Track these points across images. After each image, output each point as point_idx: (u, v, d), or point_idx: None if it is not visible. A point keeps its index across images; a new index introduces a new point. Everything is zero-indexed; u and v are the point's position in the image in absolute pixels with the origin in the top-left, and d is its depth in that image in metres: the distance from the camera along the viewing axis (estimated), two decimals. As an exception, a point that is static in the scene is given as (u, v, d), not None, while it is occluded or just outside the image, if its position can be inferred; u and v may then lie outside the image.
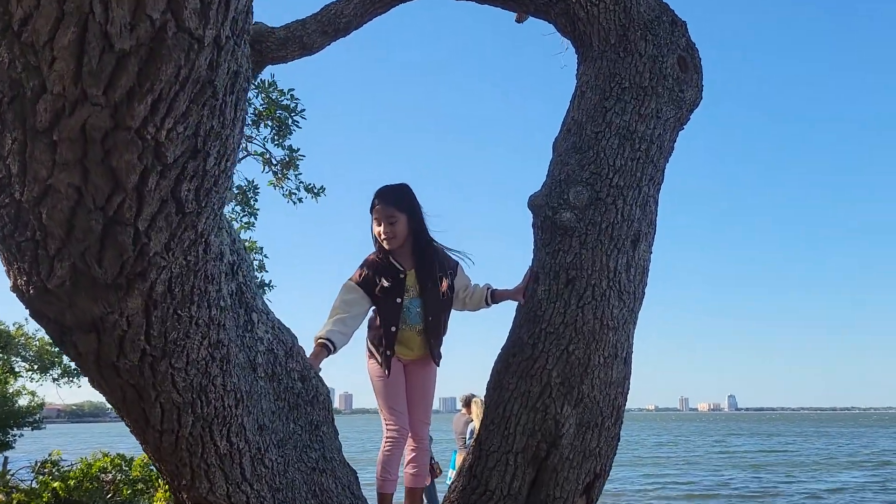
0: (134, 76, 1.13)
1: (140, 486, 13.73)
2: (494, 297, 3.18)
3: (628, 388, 3.03)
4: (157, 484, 13.60)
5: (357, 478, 2.70)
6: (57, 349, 21.14)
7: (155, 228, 1.42)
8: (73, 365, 20.88)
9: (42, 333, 21.25)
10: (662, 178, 3.08)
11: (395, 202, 3.10)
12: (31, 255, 1.47)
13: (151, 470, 14.19)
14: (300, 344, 2.58)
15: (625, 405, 3.03)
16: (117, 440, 15.44)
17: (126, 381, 1.86)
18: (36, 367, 19.04)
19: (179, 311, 1.75)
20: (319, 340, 2.89)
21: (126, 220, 1.38)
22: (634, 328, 3.03)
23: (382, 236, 3.07)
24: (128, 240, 1.42)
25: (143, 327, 1.71)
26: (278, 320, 2.42)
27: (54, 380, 19.73)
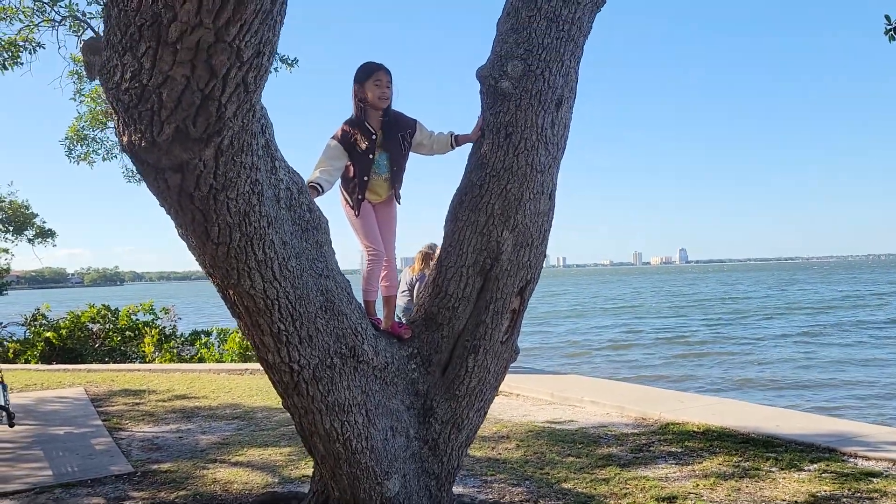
0: (230, 11, 1.90)
1: (128, 333, 14.88)
2: (458, 140, 4.04)
3: (552, 217, 3.98)
4: (143, 332, 14.75)
5: (350, 284, 3.65)
6: (31, 211, 21.59)
7: (231, 102, 2.23)
8: (47, 226, 21.46)
9: (14, 196, 21.65)
10: (582, 53, 3.89)
11: (389, 73, 3.91)
12: (147, 119, 2.27)
13: (137, 319, 15.31)
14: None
15: (549, 230, 3.99)
16: (80, 303, 16.38)
17: (197, 206, 2.71)
18: (10, 228, 19.61)
19: (235, 158, 2.58)
20: (311, 184, 3.73)
21: (215, 97, 2.18)
22: (558, 171, 3.94)
23: (384, 98, 3.87)
24: (214, 109, 2.23)
25: (213, 168, 2.54)
26: (291, 166, 3.26)
27: (29, 240, 20.40)
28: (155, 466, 6.23)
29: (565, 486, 5.29)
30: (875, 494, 4.88)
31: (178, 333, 15.22)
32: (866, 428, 7.15)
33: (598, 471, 5.64)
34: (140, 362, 14.29)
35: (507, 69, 3.73)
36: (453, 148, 4.09)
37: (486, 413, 4.20)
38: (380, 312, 4.15)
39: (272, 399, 9.44)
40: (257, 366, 12.68)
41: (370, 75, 3.88)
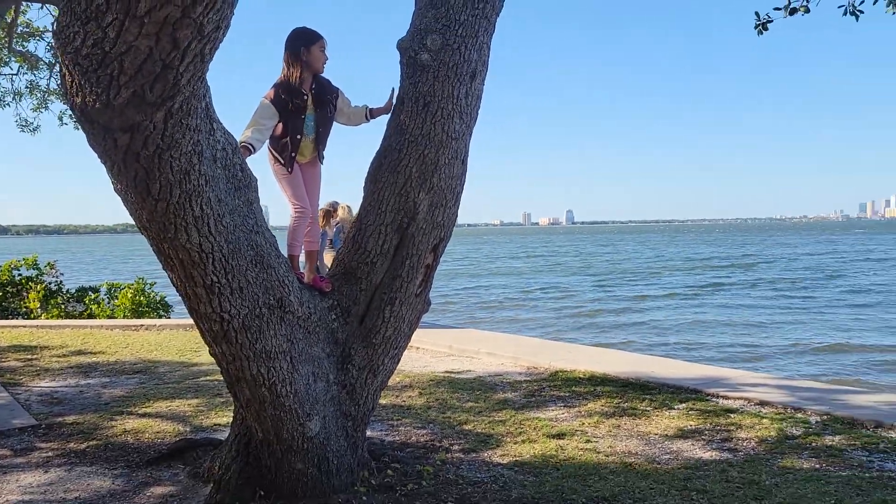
0: (199, -9, 2.10)
1: (10, 289, 14.21)
2: (373, 113, 4.33)
3: (464, 180, 4.34)
4: (27, 287, 14.15)
5: (276, 240, 3.89)
6: None
7: (188, 71, 2.43)
8: None
9: None
10: (494, 30, 4.22)
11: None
12: (105, 84, 2.43)
13: (19, 274, 14.63)
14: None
15: (462, 192, 4.35)
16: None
17: (142, 165, 2.88)
18: None
19: (182, 120, 2.77)
20: (243, 144, 3.91)
21: (174, 66, 2.37)
22: (470, 138, 4.29)
23: (323, 64, 4.11)
24: (171, 77, 2.42)
25: (161, 130, 2.72)
26: (226, 128, 3.44)
27: None
28: (59, 419, 6.24)
29: (466, 427, 5.77)
30: (731, 427, 5.64)
31: (65, 290, 14.67)
32: (727, 372, 8.06)
33: (495, 413, 6.16)
34: (24, 318, 13.73)
35: (426, 42, 4.02)
36: (368, 120, 4.40)
37: (399, 360, 4.57)
38: (303, 266, 4.41)
39: (173, 354, 9.47)
40: (154, 321, 12.52)
41: (315, 41, 4.11)
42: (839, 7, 4.32)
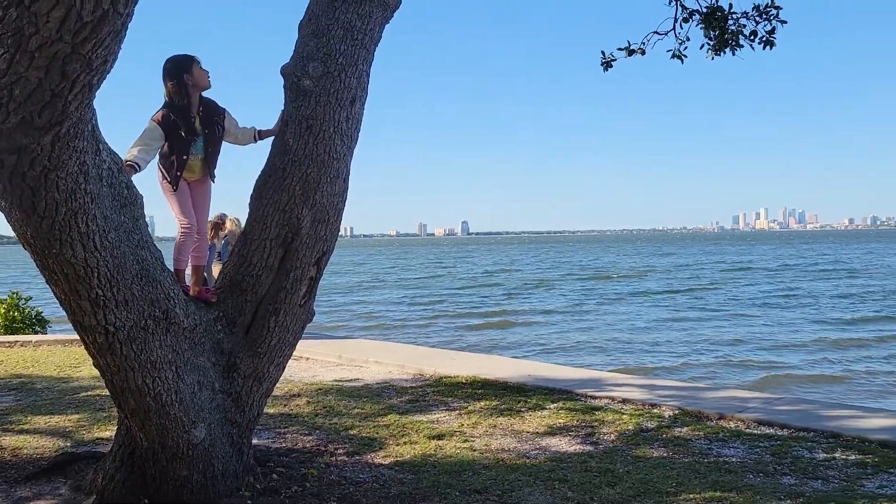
0: (89, 31, 2.30)
1: None
2: (261, 135, 4.57)
3: (346, 198, 4.63)
4: None
5: (162, 254, 4.04)
6: None
7: (76, 100, 2.61)
8: None
9: None
10: (373, 59, 4.55)
11: None
12: (-6, 109, 2.57)
13: None
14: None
15: (343, 209, 4.63)
16: None
17: (28, 184, 3.01)
18: None
19: (69, 143, 2.93)
20: (128, 163, 4.05)
21: (62, 95, 2.55)
22: (351, 158, 4.59)
23: (209, 79, 4.31)
24: (59, 105, 2.60)
25: (49, 152, 2.87)
26: (111, 147, 3.59)
27: None
28: (-72, 439, 6.03)
29: (351, 432, 6.03)
30: (595, 423, 6.18)
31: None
32: (597, 374, 8.71)
33: (380, 418, 6.45)
34: None
35: (308, 69, 4.30)
36: (256, 141, 4.63)
37: (284, 367, 4.79)
38: (189, 280, 4.56)
39: (51, 370, 9.20)
40: (30, 337, 12.02)
41: (193, 63, 4.30)
42: (668, 51, 4.94)
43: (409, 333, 19.35)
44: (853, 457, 5.23)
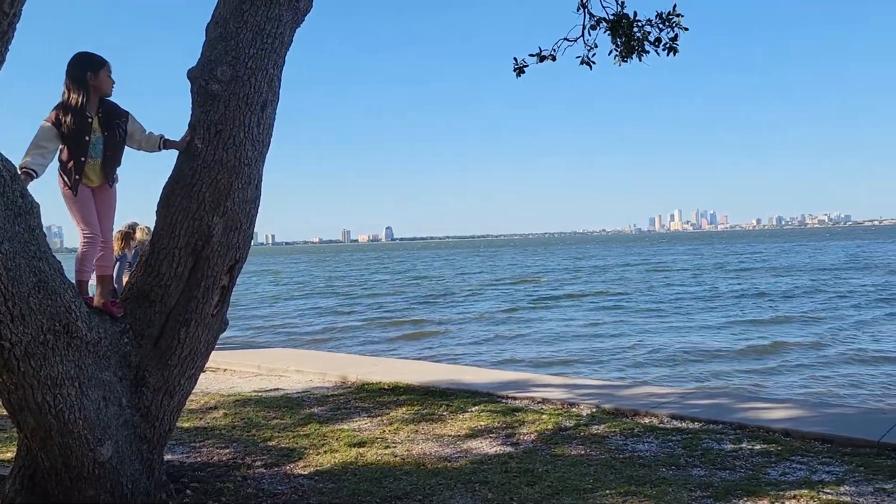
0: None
1: None
2: (166, 144, 4.37)
3: (259, 204, 4.53)
4: None
5: (62, 265, 3.86)
6: None
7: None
8: None
9: None
10: (283, 63, 4.48)
11: None
12: None
13: None
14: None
15: (256, 215, 4.53)
16: None
17: None
18: None
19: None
20: (24, 169, 3.85)
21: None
22: (263, 164, 4.50)
23: (111, 88, 4.14)
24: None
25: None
26: (3, 154, 3.40)
27: None
28: None
29: (270, 443, 5.90)
30: (516, 424, 6.25)
31: None
32: (519, 375, 8.83)
33: (300, 428, 6.34)
34: None
35: (216, 73, 4.18)
36: (160, 150, 4.39)
37: (196, 380, 4.64)
38: (93, 290, 4.36)
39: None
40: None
41: (102, 66, 4.12)
42: (577, 57, 5.08)
43: (333, 342, 19.10)
44: (758, 446, 5.47)
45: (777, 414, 6.40)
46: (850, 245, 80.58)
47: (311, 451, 5.62)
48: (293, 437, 6.06)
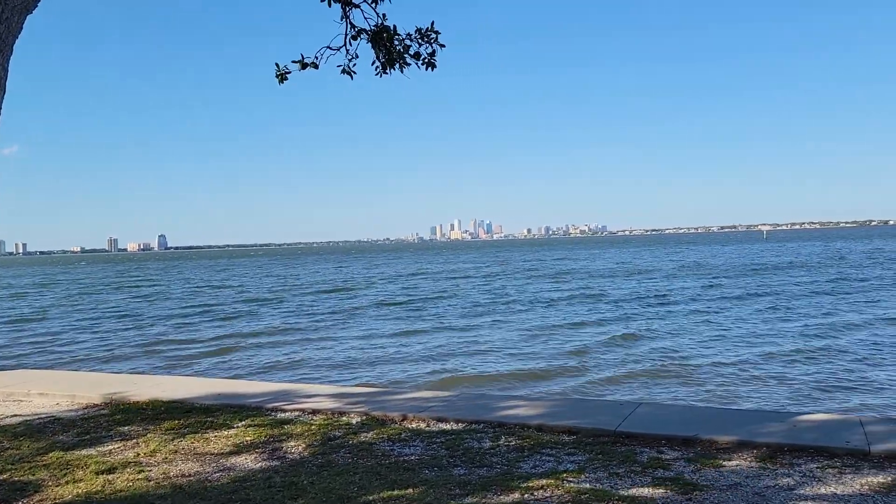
0: None
1: None
2: None
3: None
4: None
5: None
6: None
7: None
8: None
9: None
10: (12, 51, 4.01)
11: None
12: None
13: None
14: None
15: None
16: None
17: None
18: None
19: None
20: None
21: None
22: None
23: None
24: None
25: None
26: None
27: None
28: None
29: (1, 477, 5.23)
30: (283, 437, 6.12)
31: None
32: (290, 386, 8.65)
33: (39, 458, 5.69)
34: None
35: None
36: None
37: None
38: None
39: None
40: None
41: None
42: (338, 66, 5.11)
43: (103, 363, 17.33)
44: (514, 442, 5.84)
45: (532, 410, 6.88)
46: (617, 253, 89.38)
47: (50, 483, 5.07)
48: (30, 468, 5.43)
